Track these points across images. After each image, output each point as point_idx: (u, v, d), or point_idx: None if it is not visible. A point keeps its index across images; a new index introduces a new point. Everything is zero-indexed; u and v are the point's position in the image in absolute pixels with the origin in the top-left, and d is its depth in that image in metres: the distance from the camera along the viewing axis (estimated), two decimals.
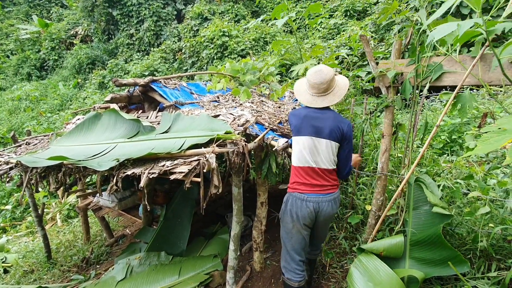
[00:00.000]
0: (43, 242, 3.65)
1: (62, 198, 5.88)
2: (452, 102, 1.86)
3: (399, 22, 2.16)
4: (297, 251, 1.98)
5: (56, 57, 15.08)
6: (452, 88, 1.82)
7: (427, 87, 1.98)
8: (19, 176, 2.99)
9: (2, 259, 3.98)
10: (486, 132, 0.82)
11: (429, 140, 1.82)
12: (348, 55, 7.34)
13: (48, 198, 5.96)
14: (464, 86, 1.80)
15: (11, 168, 2.52)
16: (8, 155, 2.81)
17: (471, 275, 1.97)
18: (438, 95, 5.54)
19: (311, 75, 1.89)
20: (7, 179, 2.59)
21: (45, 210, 5.10)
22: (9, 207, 6.19)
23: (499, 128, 0.77)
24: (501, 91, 4.73)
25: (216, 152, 1.74)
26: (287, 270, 2.02)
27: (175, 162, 1.74)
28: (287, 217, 1.96)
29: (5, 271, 3.82)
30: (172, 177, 1.64)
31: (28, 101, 12.33)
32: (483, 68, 1.69)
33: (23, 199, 2.90)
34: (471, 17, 1.51)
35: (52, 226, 5.23)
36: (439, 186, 2.23)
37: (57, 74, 14.76)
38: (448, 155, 3.73)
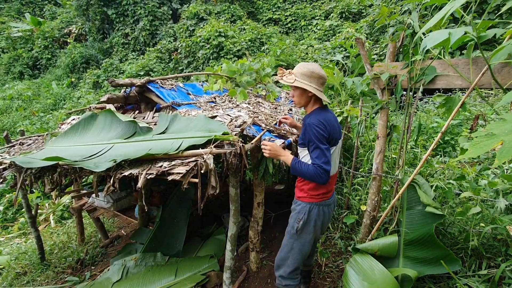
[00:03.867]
0: (37, 244, 3.60)
1: (56, 199, 5.82)
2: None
3: (393, 25, 2.19)
4: (304, 258, 1.93)
5: (49, 56, 14.88)
6: (445, 90, 1.87)
7: (421, 90, 2.03)
8: (12, 176, 2.96)
9: None
10: (476, 137, 0.85)
11: (432, 146, 1.87)
12: (344, 58, 7.41)
13: (41, 199, 5.88)
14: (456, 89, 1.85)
15: (4, 169, 2.50)
16: (1, 156, 2.78)
17: (463, 273, 2.02)
18: (431, 97, 5.63)
19: (322, 71, 1.74)
20: (0, 180, 2.57)
21: (38, 211, 5.04)
22: (0, 208, 6.09)
23: (488, 133, 0.81)
24: (492, 93, 4.84)
25: (214, 153, 1.75)
26: (289, 278, 1.91)
27: (173, 162, 1.75)
28: (308, 228, 1.83)
29: None
30: (170, 177, 1.64)
31: (20, 100, 12.14)
32: (474, 71, 1.74)
33: (16, 200, 2.87)
34: (464, 22, 1.56)
35: (45, 227, 5.16)
36: (432, 186, 2.28)
37: (50, 73, 14.57)
38: (441, 156, 3.80)
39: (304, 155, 1.78)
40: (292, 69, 1.82)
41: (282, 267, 1.93)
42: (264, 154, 1.83)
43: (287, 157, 1.77)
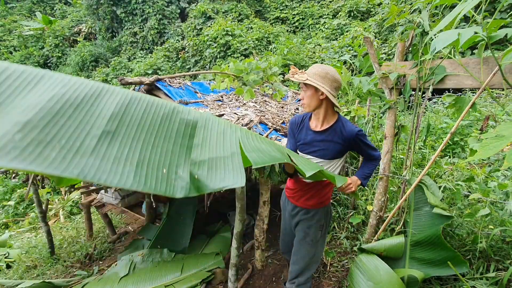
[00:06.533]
0: (47, 238, 3.69)
1: (65, 195, 5.94)
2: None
3: (403, 24, 2.17)
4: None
5: (60, 54, 15.13)
6: (455, 90, 1.85)
7: (430, 90, 2.00)
8: (24, 172, 3.03)
9: (4, 255, 4.03)
10: (486, 138, 0.85)
11: (441, 147, 1.85)
12: (351, 57, 7.35)
13: (51, 195, 6.00)
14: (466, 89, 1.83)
15: None
16: None
17: (470, 275, 1.99)
18: (440, 97, 5.55)
19: (337, 75, 1.58)
20: (13, 175, 2.64)
21: (48, 206, 5.15)
22: (11, 203, 6.24)
23: (498, 135, 0.81)
24: (503, 94, 4.74)
25: None
26: (307, 282, 1.86)
27: None
28: (327, 229, 1.90)
29: (8, 266, 3.87)
30: None
31: None
32: (485, 71, 1.71)
33: (27, 195, 2.95)
34: (475, 21, 1.54)
35: (55, 222, 5.28)
36: (440, 187, 2.26)
37: (61, 71, 14.76)
38: (450, 157, 3.75)
39: (330, 166, 1.67)
40: (301, 69, 1.80)
41: (300, 276, 1.85)
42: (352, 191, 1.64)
43: (357, 181, 1.66)
